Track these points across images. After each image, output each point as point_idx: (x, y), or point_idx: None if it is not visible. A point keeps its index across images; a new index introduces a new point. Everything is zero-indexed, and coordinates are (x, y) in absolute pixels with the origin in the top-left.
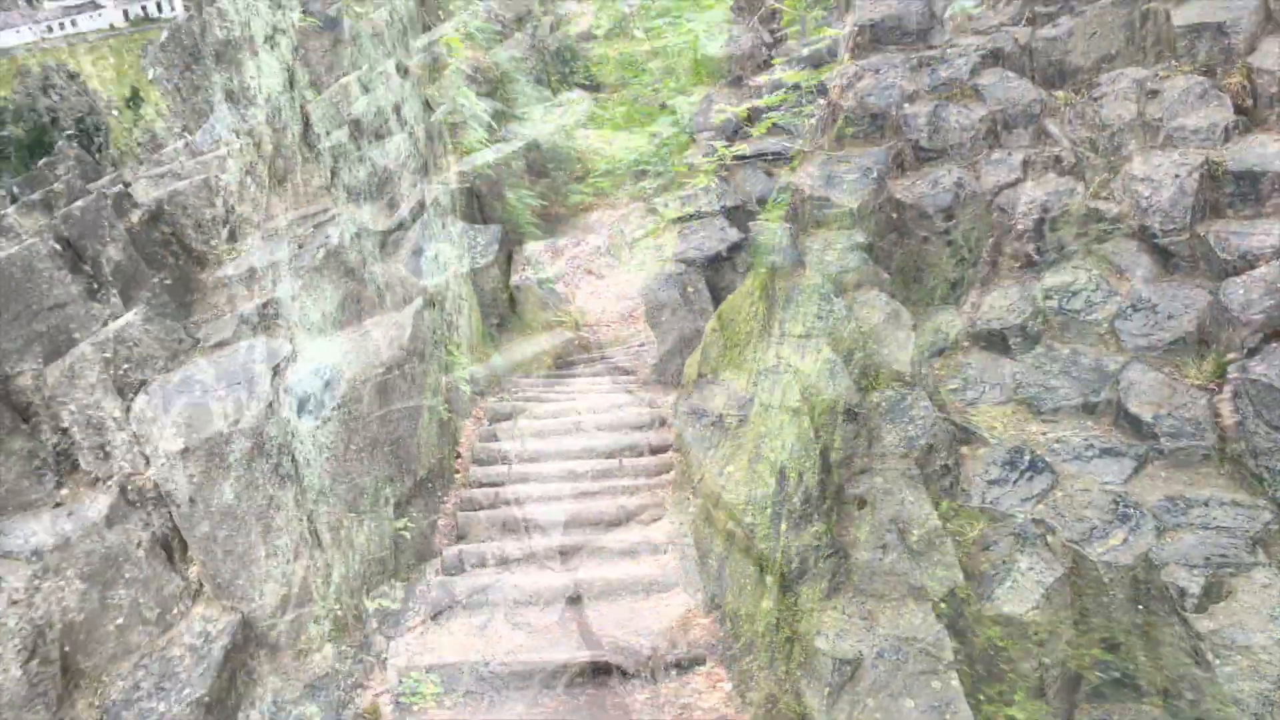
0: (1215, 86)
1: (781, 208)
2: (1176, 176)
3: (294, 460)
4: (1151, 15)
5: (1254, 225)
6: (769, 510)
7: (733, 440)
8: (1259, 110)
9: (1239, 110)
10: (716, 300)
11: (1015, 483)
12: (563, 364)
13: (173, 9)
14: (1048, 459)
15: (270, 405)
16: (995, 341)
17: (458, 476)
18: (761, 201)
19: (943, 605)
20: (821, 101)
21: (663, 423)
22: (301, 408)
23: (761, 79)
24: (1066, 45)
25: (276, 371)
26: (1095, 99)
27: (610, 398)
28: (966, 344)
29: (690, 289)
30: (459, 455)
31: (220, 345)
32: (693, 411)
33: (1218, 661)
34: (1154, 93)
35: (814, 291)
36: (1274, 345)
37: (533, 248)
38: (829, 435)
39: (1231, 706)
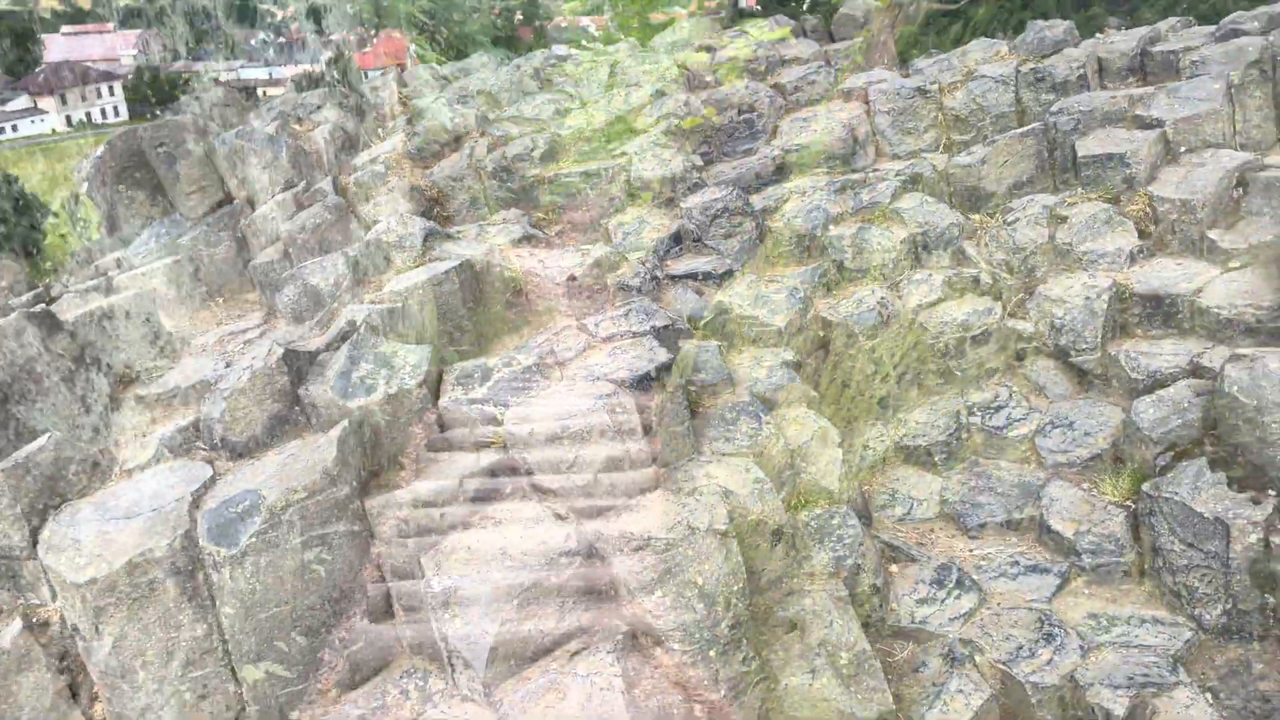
0: (1120, 213)
1: (712, 327)
2: (1086, 298)
3: (209, 591)
4: (1059, 145)
5: (1161, 345)
6: (698, 637)
7: (664, 564)
8: (1161, 235)
9: (1142, 235)
10: (645, 420)
11: (943, 601)
12: (490, 487)
13: (117, 114)
14: (975, 576)
15: (186, 533)
16: (922, 457)
17: (378, 602)
18: (692, 320)
19: None
20: (750, 223)
21: (591, 551)
22: (219, 535)
23: (693, 200)
24: (981, 172)
25: (194, 497)
26: (1009, 223)
27: (537, 526)
28: (894, 460)
29: (619, 411)
30: (381, 579)
31: (138, 469)
32: (620, 535)
33: None
34: (1063, 218)
35: (743, 410)
36: (1184, 464)
37: (463, 367)
38: (758, 557)
39: None
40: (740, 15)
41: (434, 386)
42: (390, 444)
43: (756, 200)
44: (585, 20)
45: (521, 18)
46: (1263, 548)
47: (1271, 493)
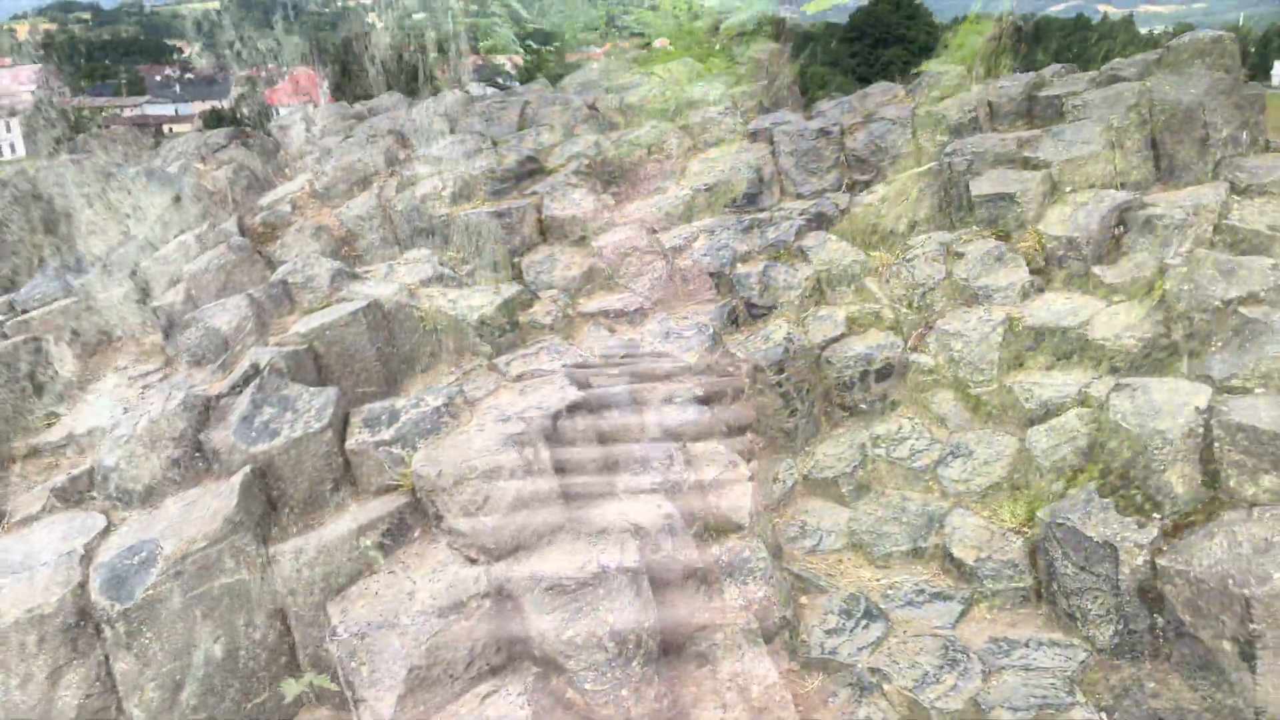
0: (1012, 250)
1: (622, 364)
2: (982, 332)
3: (103, 646)
4: (954, 185)
5: (1052, 376)
6: (609, 676)
7: (574, 604)
8: (1050, 271)
9: (1033, 271)
10: (555, 459)
11: (852, 631)
12: (398, 530)
13: (14, 151)
14: (882, 606)
15: (79, 587)
16: (830, 489)
17: (283, 653)
18: (603, 358)
19: None
20: (661, 261)
21: (501, 593)
22: (114, 588)
23: (604, 239)
24: (881, 210)
25: (87, 549)
26: (909, 260)
27: (446, 569)
28: (804, 492)
29: (529, 450)
30: (286, 629)
31: (26, 521)
32: (531, 576)
33: None
34: (959, 255)
35: (655, 446)
36: (1075, 491)
37: (371, 409)
38: (669, 593)
39: None
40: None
41: (340, 429)
42: (295, 489)
43: (666, 239)
44: (501, 59)
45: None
46: (1149, 569)
47: (1156, 516)
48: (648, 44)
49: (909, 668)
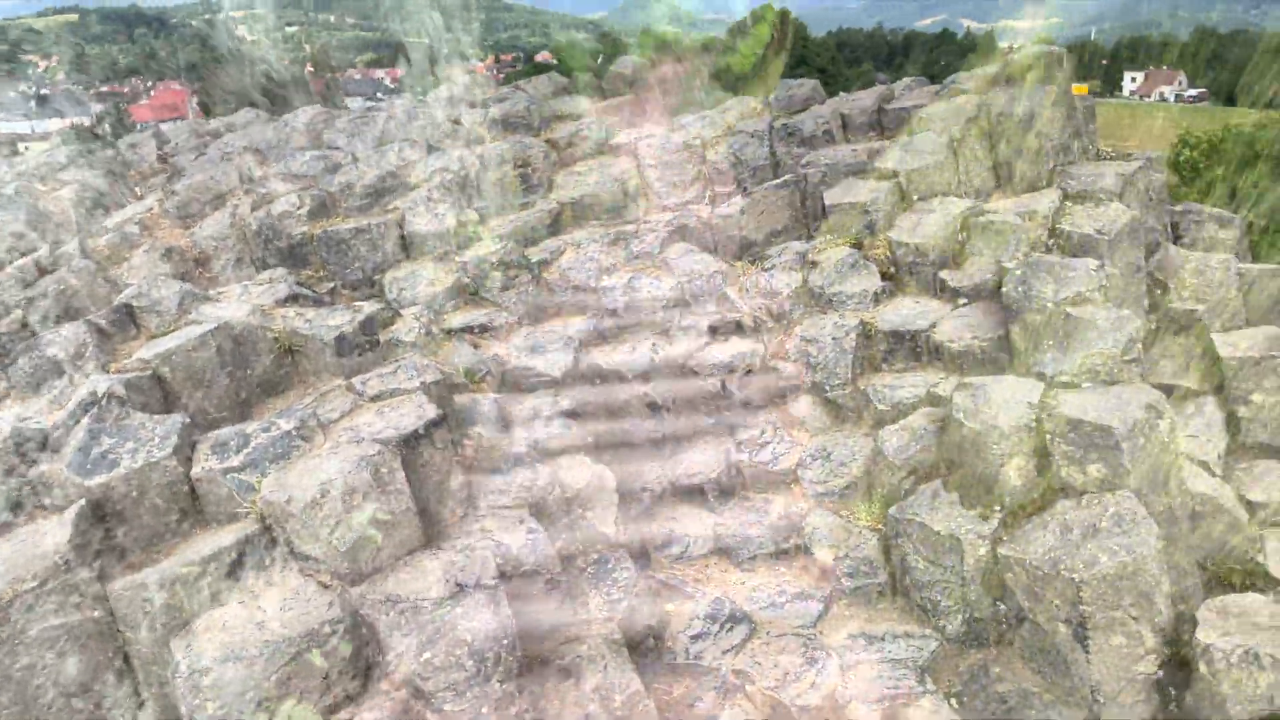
0: (864, 257)
1: (487, 380)
2: (836, 338)
3: None
4: (810, 195)
5: (903, 378)
6: (469, 695)
7: (432, 624)
8: (900, 277)
9: (885, 277)
10: (412, 480)
11: (716, 635)
12: (247, 559)
13: None
14: (746, 608)
15: None
16: (696, 495)
17: (126, 694)
18: (470, 374)
19: None
20: (527, 275)
21: (356, 618)
22: None
23: (469, 254)
24: (742, 221)
25: None
26: (767, 269)
27: (298, 597)
28: (672, 499)
29: (384, 470)
30: (128, 668)
31: None
32: (387, 599)
33: None
34: (815, 263)
35: (519, 461)
36: (924, 487)
37: (218, 436)
38: (532, 608)
39: None
40: (536, 70)
41: (186, 458)
42: (137, 521)
43: (533, 253)
44: (380, 72)
45: (312, 69)
46: (991, 559)
47: (996, 508)
48: (531, 57)
49: (771, 668)
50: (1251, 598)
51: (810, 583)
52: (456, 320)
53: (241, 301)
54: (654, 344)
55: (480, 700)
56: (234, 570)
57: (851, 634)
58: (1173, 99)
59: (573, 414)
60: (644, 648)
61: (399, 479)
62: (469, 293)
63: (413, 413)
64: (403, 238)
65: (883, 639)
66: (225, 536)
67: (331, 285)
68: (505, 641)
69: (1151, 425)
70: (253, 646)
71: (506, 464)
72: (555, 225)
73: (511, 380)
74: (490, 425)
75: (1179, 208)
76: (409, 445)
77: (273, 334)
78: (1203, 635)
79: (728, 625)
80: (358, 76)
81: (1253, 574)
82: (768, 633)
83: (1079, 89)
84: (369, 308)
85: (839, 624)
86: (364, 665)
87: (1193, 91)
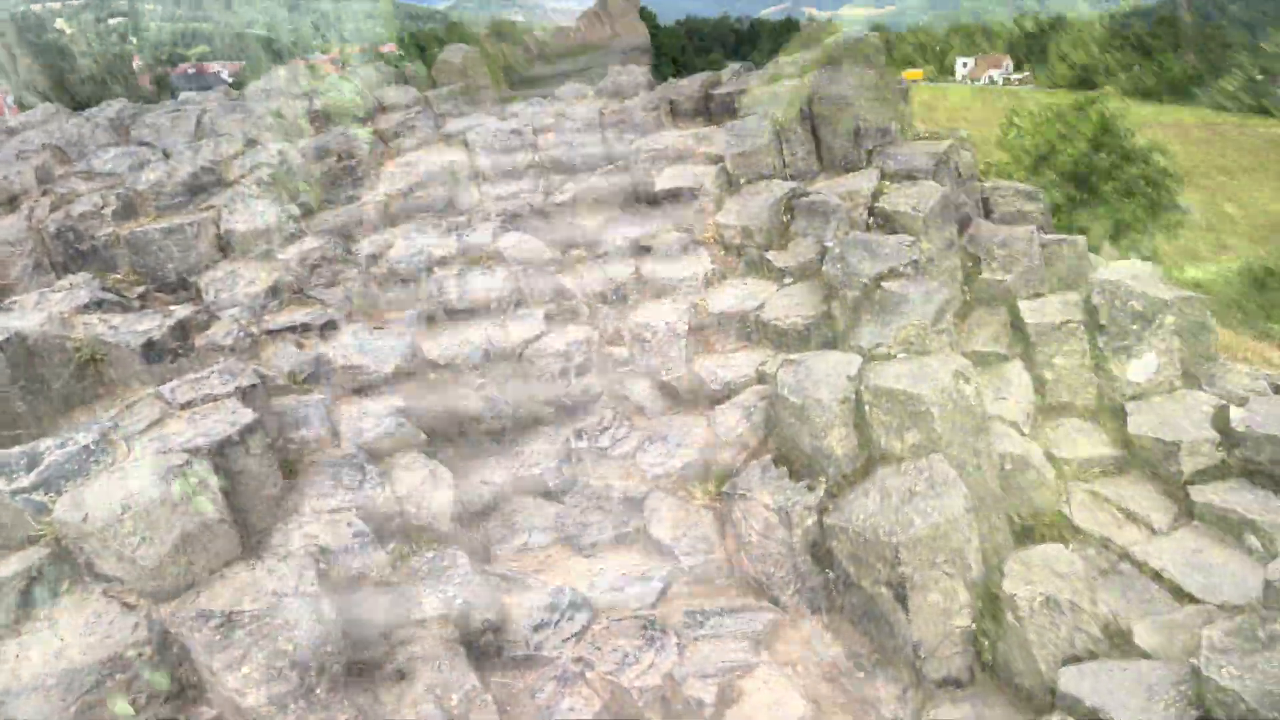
0: (694, 241)
1: (315, 380)
2: (669, 322)
3: None
4: (641, 181)
5: (734, 358)
6: (292, 707)
7: (249, 638)
8: (729, 259)
9: (714, 260)
10: (227, 489)
11: (557, 624)
12: (41, 585)
13: None
14: (587, 594)
15: None
16: (538, 487)
17: None
18: (293, 375)
19: None
20: (354, 271)
21: (166, 637)
22: None
23: (292, 250)
24: (575, 209)
25: None
26: (601, 256)
27: (100, 620)
28: (512, 491)
29: (193, 480)
30: None
31: None
32: (200, 615)
33: None
34: (647, 249)
35: (347, 463)
36: (754, 463)
37: (5, 455)
38: (362, 612)
39: None
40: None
41: None
42: None
43: (360, 247)
44: (217, 65)
45: (139, 64)
46: (818, 530)
47: (822, 480)
48: (376, 49)
49: (611, 652)
50: (1054, 548)
51: (651, 565)
52: (279, 320)
53: (38, 310)
54: (488, 335)
55: (306, 711)
56: (26, 598)
57: (690, 611)
58: (1000, 82)
59: (405, 411)
60: (483, 644)
61: (212, 487)
62: (292, 291)
63: (226, 419)
64: (219, 236)
65: (720, 614)
66: (16, 563)
67: (142, 289)
68: (330, 649)
69: (960, 391)
70: (50, 677)
71: (334, 466)
72: (383, 218)
73: (339, 380)
74: (316, 427)
75: (989, 184)
76: (222, 453)
77: (73, 343)
78: (1009, 586)
79: (568, 613)
80: (191, 70)
81: (1059, 526)
82: (608, 617)
83: (913, 74)
84: (181, 311)
85: (678, 603)
86: (177, 687)
87: (1018, 75)
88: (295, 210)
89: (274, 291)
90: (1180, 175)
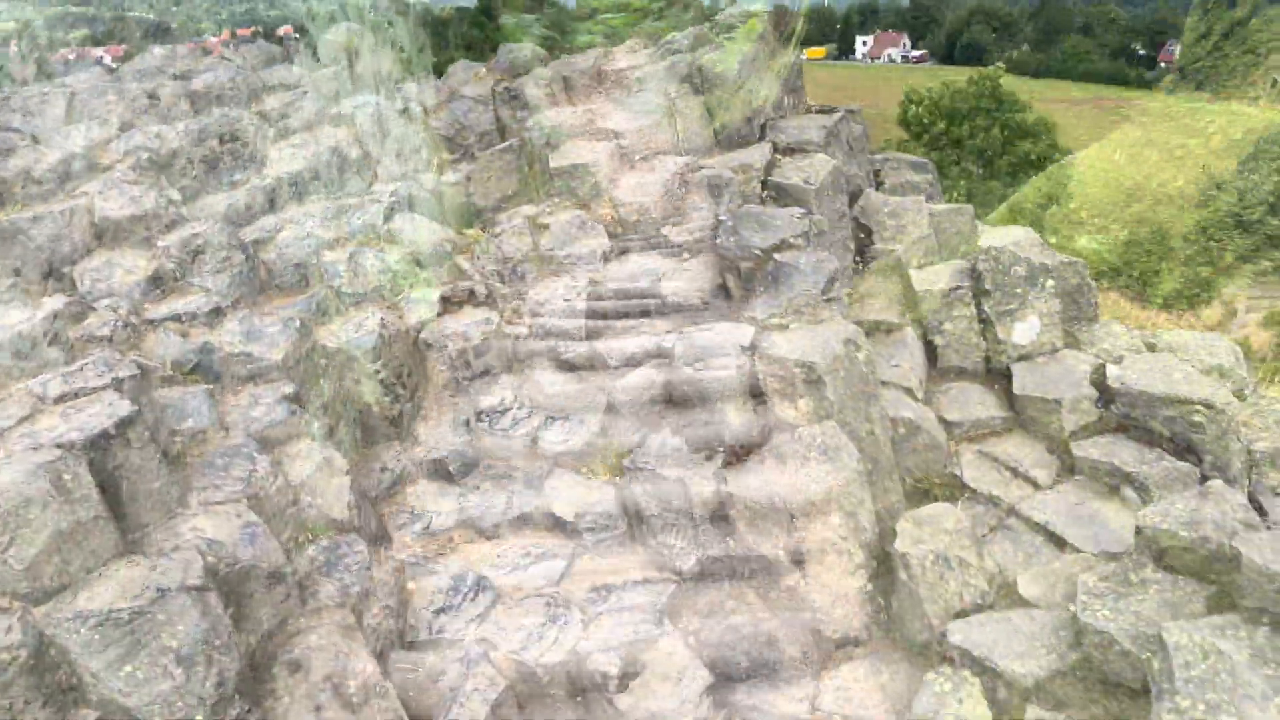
0: (591, 218)
1: (200, 369)
2: (567, 300)
3: None
4: (535, 159)
5: (632, 334)
6: (179, 705)
7: (131, 635)
8: (627, 235)
9: (612, 236)
10: (103, 485)
11: (460, 607)
12: None
13: None
14: (490, 576)
15: None
16: (440, 470)
17: None
18: (178, 365)
19: None
20: (240, 256)
21: (41, 641)
22: None
23: (171, 238)
24: (469, 188)
25: None
26: (497, 235)
27: None
28: (413, 476)
29: (68, 476)
30: None
31: None
32: (77, 615)
33: None
34: (544, 227)
35: (236, 453)
36: (654, 436)
37: None
38: (254, 605)
39: None
40: (280, 43)
41: None
42: None
43: (248, 232)
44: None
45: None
46: (717, 499)
47: (720, 449)
48: (272, 31)
49: (515, 631)
50: (943, 507)
51: (554, 543)
52: (161, 310)
53: None
54: (383, 319)
55: (193, 709)
56: None
57: (594, 586)
58: (899, 60)
59: (296, 399)
60: (383, 630)
61: (85, 484)
62: (174, 279)
63: (103, 412)
64: (94, 224)
65: (623, 588)
66: None
67: (11, 282)
68: (218, 643)
69: (851, 358)
70: None
71: (222, 457)
72: (270, 202)
73: (227, 368)
74: (202, 418)
75: (880, 156)
76: (98, 447)
77: None
78: (900, 545)
79: (470, 595)
80: (72, 56)
81: (950, 486)
82: (511, 597)
83: (815, 53)
84: (52, 303)
85: (582, 579)
86: (53, 690)
87: (915, 53)
88: (176, 195)
89: (155, 280)
90: (1069, 149)
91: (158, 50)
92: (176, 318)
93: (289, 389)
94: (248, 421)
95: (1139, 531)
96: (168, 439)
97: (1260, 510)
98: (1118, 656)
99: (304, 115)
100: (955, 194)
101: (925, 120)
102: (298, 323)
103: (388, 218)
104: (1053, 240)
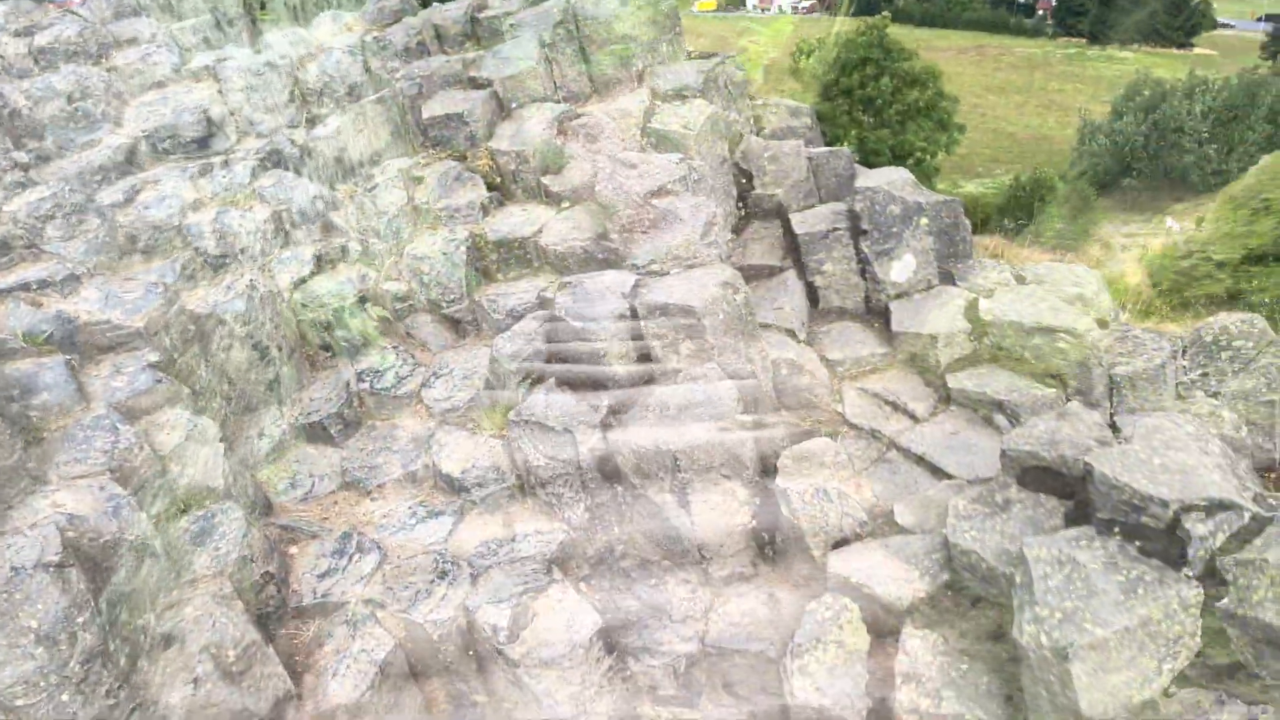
0: (468, 169)
1: (56, 340)
2: (446, 253)
3: None
4: (409, 110)
5: (516, 286)
6: (43, 684)
7: None
8: (506, 186)
9: (491, 187)
10: None
11: (345, 569)
12: None
13: None
14: (376, 537)
15: None
16: (320, 433)
17: None
18: (30, 337)
19: (276, 718)
20: (97, 220)
21: None
22: None
23: (19, 201)
24: (340, 142)
25: None
26: (371, 190)
27: None
28: (292, 440)
29: None
30: None
31: None
32: None
33: (531, 681)
34: (419, 179)
35: (98, 425)
36: (538, 388)
37: None
38: (122, 578)
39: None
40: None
41: None
42: None
43: (104, 195)
44: None
45: None
46: (604, 446)
47: (605, 398)
48: None
49: (403, 590)
50: (822, 442)
51: (441, 500)
52: (9, 279)
53: None
54: (252, 281)
55: (59, 688)
56: None
57: (484, 541)
58: (790, 10)
59: (164, 366)
60: (264, 597)
61: None
62: (24, 246)
63: None
64: None
65: (512, 541)
66: None
67: None
68: (81, 620)
69: (729, 301)
70: None
71: (83, 430)
72: (129, 162)
73: (86, 338)
74: (59, 390)
75: (759, 101)
76: None
77: None
78: (781, 481)
79: (355, 557)
80: None
81: (832, 422)
82: (398, 557)
83: (706, 4)
84: None
85: (471, 534)
86: None
87: (806, 2)
88: (22, 157)
89: (2, 247)
90: (955, 97)
91: (2, 7)
92: (26, 286)
93: (154, 357)
94: (110, 392)
95: (1003, 454)
96: (22, 413)
97: (1116, 430)
98: (985, 574)
99: (162, 70)
100: (848, 144)
101: (815, 71)
102: (161, 288)
103: (254, 176)
104: (941, 187)
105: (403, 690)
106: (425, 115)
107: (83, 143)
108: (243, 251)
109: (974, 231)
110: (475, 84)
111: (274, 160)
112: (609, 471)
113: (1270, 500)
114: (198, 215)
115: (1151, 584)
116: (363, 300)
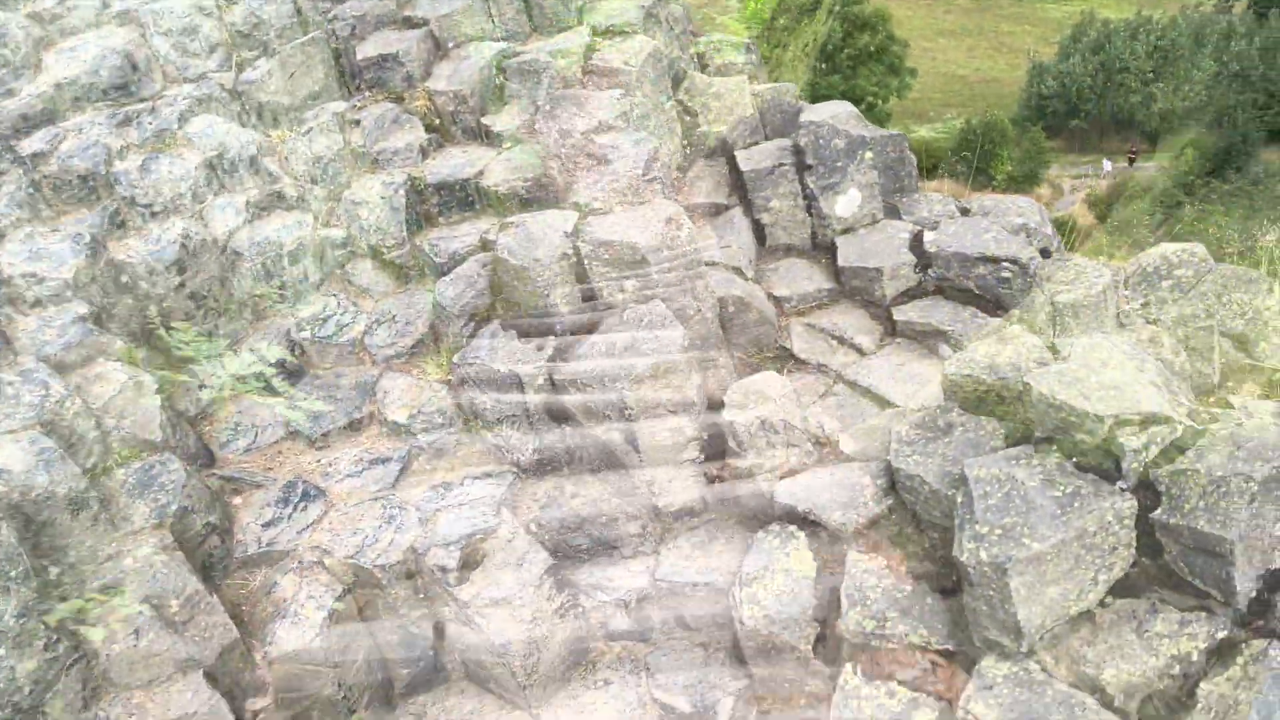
0: (405, 111)
1: None
2: (385, 197)
3: None
4: (343, 52)
5: (458, 229)
6: None
7: None
8: (445, 127)
9: (429, 129)
10: None
11: (290, 517)
12: None
13: None
14: (321, 485)
15: None
16: (262, 384)
17: None
18: None
19: (222, 666)
20: (18, 171)
21: None
22: None
23: None
24: (271, 86)
25: None
26: (305, 134)
27: None
28: (237, 393)
29: None
30: None
31: None
32: None
33: (482, 621)
34: (355, 122)
35: (27, 379)
36: (483, 331)
37: None
38: (58, 533)
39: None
40: None
41: None
42: None
43: (24, 145)
44: None
45: None
46: (550, 387)
47: (550, 338)
48: None
49: (350, 536)
50: (768, 375)
51: (387, 446)
52: None
53: None
54: (185, 229)
55: None
56: None
57: (431, 486)
58: None
59: (94, 318)
60: (207, 548)
61: None
62: None
63: None
64: None
65: (461, 484)
66: None
67: None
68: (14, 574)
69: (673, 237)
70: None
71: (11, 384)
72: (49, 111)
73: (11, 292)
74: None
75: (703, 39)
76: None
77: None
78: (728, 415)
79: (301, 505)
80: None
81: (780, 358)
82: (345, 504)
83: None
84: None
85: (419, 479)
86: None
87: None
88: None
89: None
90: (906, 41)
91: None
92: None
93: (84, 309)
94: (38, 345)
95: (945, 378)
96: None
97: (1056, 353)
98: (928, 497)
99: (82, 14)
100: (801, 90)
101: (764, 16)
102: (88, 238)
103: (183, 121)
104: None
105: (353, 636)
106: (359, 56)
107: (1, 92)
108: (174, 199)
109: (926, 177)
110: (410, 23)
111: (203, 106)
112: (556, 412)
113: (1204, 414)
114: (124, 163)
115: (1087, 497)
116: (300, 247)
